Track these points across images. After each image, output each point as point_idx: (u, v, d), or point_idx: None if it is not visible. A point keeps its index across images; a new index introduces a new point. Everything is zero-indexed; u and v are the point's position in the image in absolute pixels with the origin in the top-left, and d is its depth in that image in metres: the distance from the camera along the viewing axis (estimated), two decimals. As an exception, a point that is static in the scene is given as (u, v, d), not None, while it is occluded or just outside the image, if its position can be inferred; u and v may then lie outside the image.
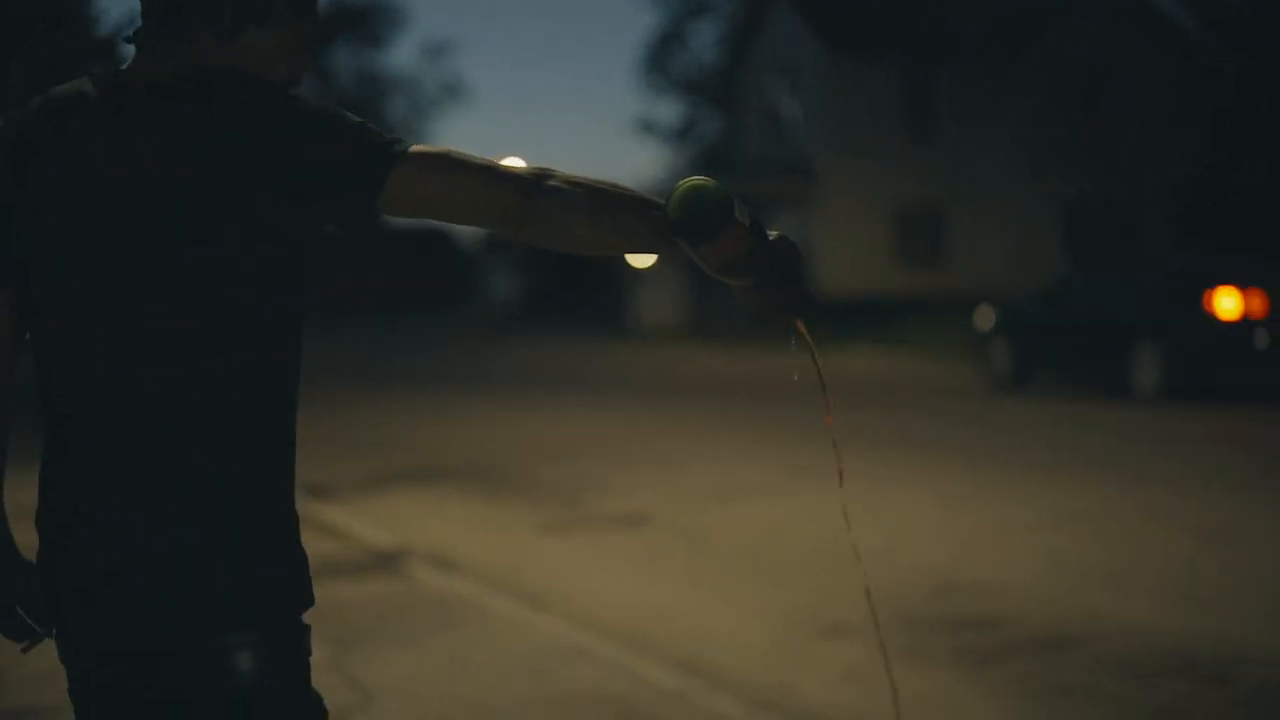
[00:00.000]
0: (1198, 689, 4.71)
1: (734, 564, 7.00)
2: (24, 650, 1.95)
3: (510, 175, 1.74)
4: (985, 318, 17.57)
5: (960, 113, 30.99)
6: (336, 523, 7.87)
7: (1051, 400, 15.06)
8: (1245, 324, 13.89)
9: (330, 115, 1.75)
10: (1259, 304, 13.96)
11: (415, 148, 1.74)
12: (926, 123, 31.11)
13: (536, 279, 48.79)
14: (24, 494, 2.10)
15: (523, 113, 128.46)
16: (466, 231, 55.42)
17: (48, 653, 1.92)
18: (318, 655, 5.15)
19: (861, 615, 5.78)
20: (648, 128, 53.24)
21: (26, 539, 1.92)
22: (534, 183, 1.73)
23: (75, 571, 1.74)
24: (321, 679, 4.85)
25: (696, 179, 1.73)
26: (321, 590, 5.58)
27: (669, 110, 69.80)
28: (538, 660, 5.13)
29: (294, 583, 1.78)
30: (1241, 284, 14.12)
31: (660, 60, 50.80)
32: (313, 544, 6.08)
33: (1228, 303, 14.01)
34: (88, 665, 1.77)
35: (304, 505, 8.18)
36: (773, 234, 1.78)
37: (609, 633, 5.55)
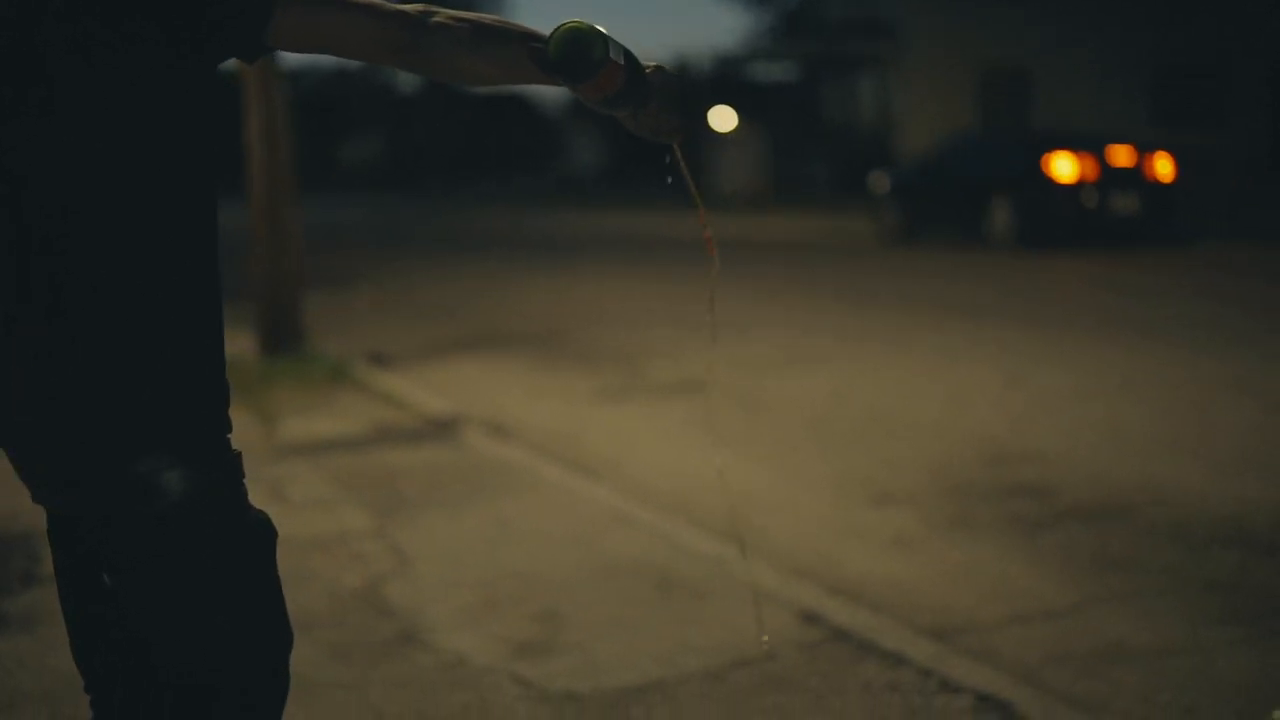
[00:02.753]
0: (1249, 560, 4.61)
1: (788, 431, 6.94)
2: None
3: (397, 12, 1.80)
4: (880, 182, 19.85)
5: (1048, -30, 30.07)
6: (393, 391, 7.89)
7: (931, 249, 17.31)
8: (1079, 186, 16.54)
9: None
10: (1090, 168, 16.60)
11: None
12: (1014, -20, 30.23)
13: (617, 146, 48.38)
14: None
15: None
16: (550, 99, 55.08)
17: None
18: (362, 522, 5.22)
19: (911, 485, 5.72)
20: (729, -10, 52.32)
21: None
22: (420, 18, 1.80)
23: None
24: (363, 545, 4.94)
25: (575, 21, 1.83)
26: (371, 458, 5.66)
27: (751, -28, 68.29)
28: (582, 528, 5.12)
29: (210, 409, 1.83)
30: (1076, 150, 16.78)
31: (742, -82, 49.74)
32: (369, 411, 6.17)
33: (1063, 166, 16.64)
34: (38, 496, 1.87)
35: (362, 373, 8.28)
36: (650, 67, 1.93)
37: (656, 501, 5.52)
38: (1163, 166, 17.29)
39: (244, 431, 6.87)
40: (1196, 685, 3.57)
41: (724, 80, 41.09)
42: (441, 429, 6.96)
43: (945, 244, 17.76)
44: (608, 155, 48.79)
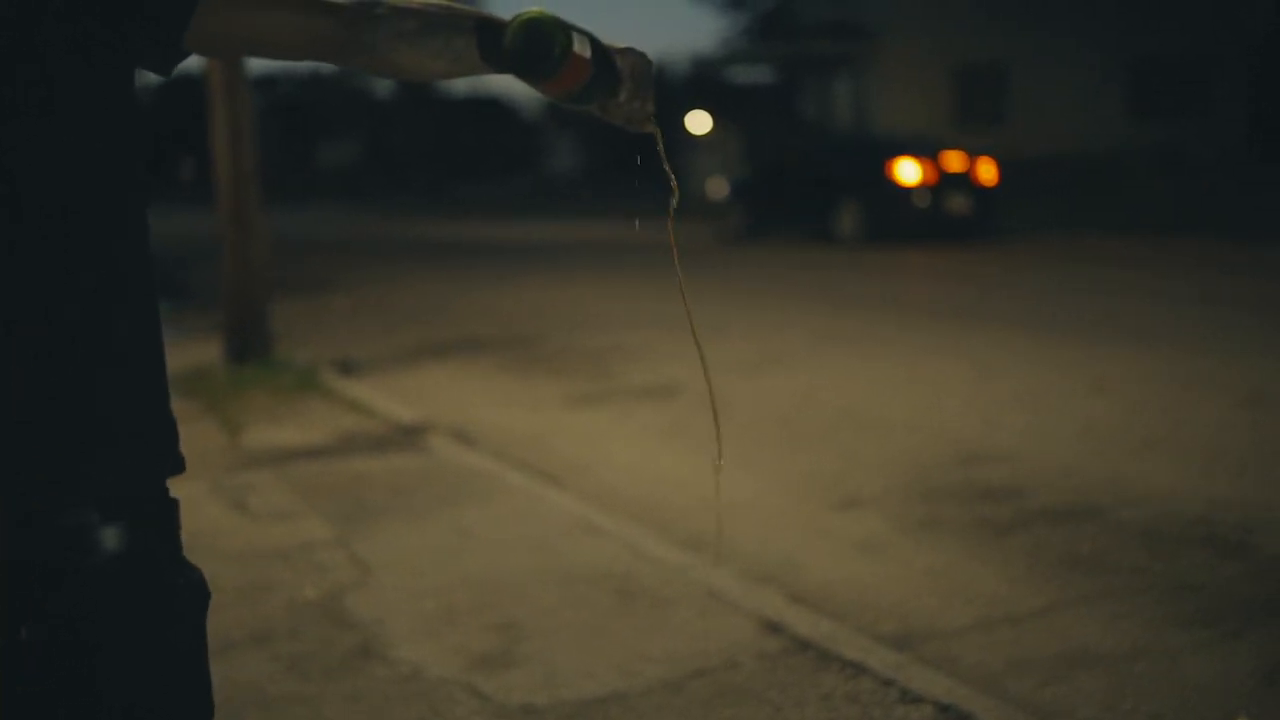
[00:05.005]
0: (1217, 561, 4.57)
1: (759, 434, 6.89)
2: None
3: (334, 5, 1.63)
4: (718, 187, 21.74)
5: (1023, -35, 30.09)
6: (361, 398, 7.82)
7: (779, 247, 18.84)
8: (920, 188, 18.39)
9: None
10: (929, 172, 18.49)
11: None
12: (988, -23, 30.25)
13: (597, 150, 48.31)
14: None
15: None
16: (528, 103, 55.00)
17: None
18: (323, 532, 5.15)
19: (879, 487, 5.68)
20: (705, -8, 52.40)
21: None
22: (360, 11, 1.63)
23: None
24: (323, 555, 4.86)
25: (533, 10, 1.65)
26: (336, 466, 5.59)
27: (727, -26, 68.28)
28: (545, 535, 5.06)
29: (147, 455, 1.65)
30: (917, 155, 18.66)
31: (718, -80, 49.79)
32: (335, 419, 6.10)
33: (907, 170, 18.49)
34: None
35: (330, 380, 8.22)
36: (618, 49, 1.73)
37: (622, 508, 5.47)
38: (987, 171, 19.11)
39: (209, 440, 6.84)
40: (1162, 690, 3.52)
41: (701, 83, 41.07)
42: (408, 436, 6.89)
43: (792, 242, 19.29)
44: (587, 157, 48.71)
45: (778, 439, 6.71)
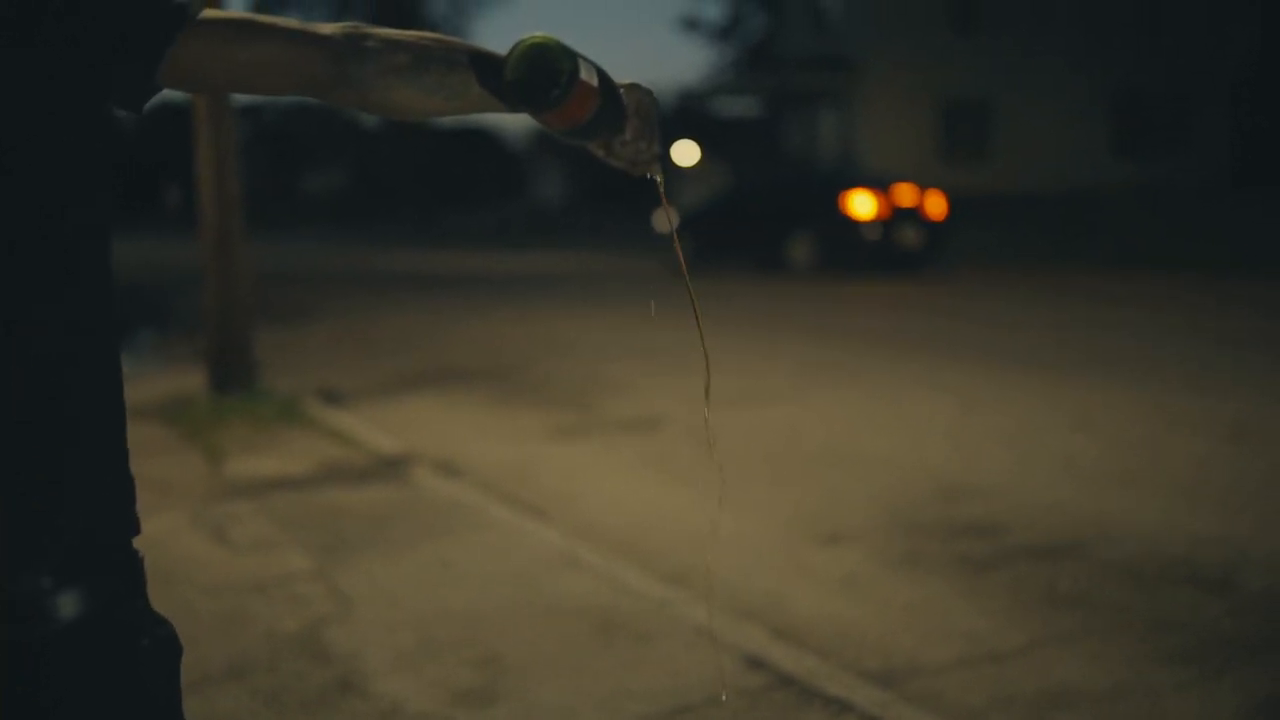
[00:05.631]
0: (1199, 598, 4.57)
1: (743, 468, 6.88)
2: None
3: (320, 39, 1.55)
4: (664, 219, 21.19)
5: (1007, 3, 30.27)
6: (343, 428, 7.80)
7: (728, 276, 18.34)
8: (873, 221, 18.84)
9: None
10: (882, 206, 18.96)
11: (208, 12, 1.54)
12: (972, 13, 30.44)
13: (583, 179, 48.36)
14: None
15: (565, 12, 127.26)
16: (514, 131, 55.09)
17: None
18: (304, 563, 5.12)
19: (863, 522, 5.67)
20: (692, 25, 52.73)
21: None
22: (348, 46, 1.56)
23: None
24: (304, 587, 4.83)
25: (537, 35, 1.54)
26: (318, 497, 5.56)
27: (713, 7, 68.78)
28: (527, 569, 5.04)
29: (108, 512, 1.53)
30: (869, 188, 19.17)
31: (705, -45, 50.07)
32: (318, 450, 6.08)
33: (860, 204, 18.96)
34: None
35: (313, 410, 8.19)
36: (624, 85, 1.63)
37: (604, 541, 5.45)
38: (936, 205, 19.57)
39: (190, 470, 6.81)
40: (1143, 729, 3.52)
41: (687, 115, 41.20)
42: (390, 468, 6.87)
43: (741, 272, 19.41)
44: (574, 187, 48.78)
45: (759, 473, 6.69)
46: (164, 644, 1.58)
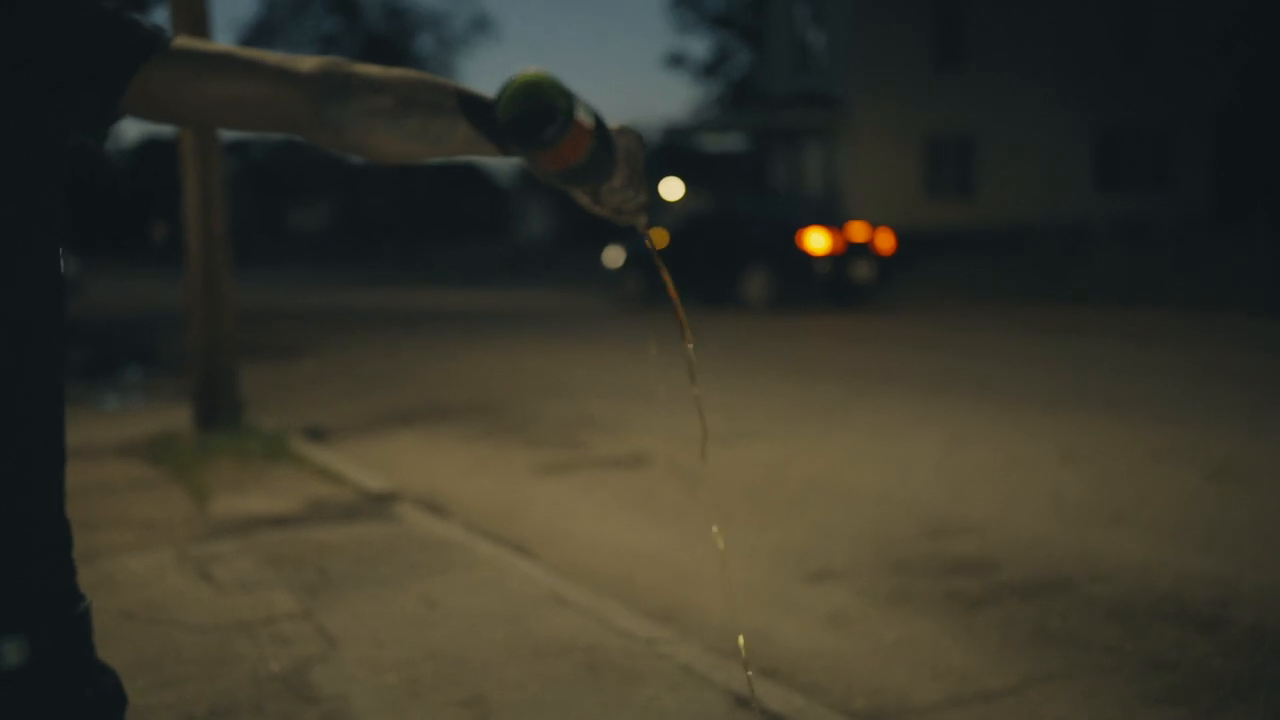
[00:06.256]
0: (1188, 637, 4.55)
1: (728, 505, 6.87)
2: None
3: (298, 77, 1.49)
4: (615, 255, 22.45)
5: (991, 38, 30.48)
6: (330, 465, 7.76)
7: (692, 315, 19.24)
8: (828, 257, 19.53)
9: None
10: (837, 242, 19.67)
11: (179, 41, 1.48)
12: (956, 50, 30.62)
13: (569, 216, 48.45)
14: None
15: (551, 48, 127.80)
16: (502, 167, 55.21)
17: None
18: (289, 603, 5.09)
19: (850, 559, 5.65)
20: (677, 62, 52.91)
21: None
22: (327, 86, 1.49)
23: None
24: (289, 627, 4.80)
25: (530, 72, 1.46)
26: (304, 535, 5.53)
27: (699, 45, 69.18)
28: (513, 608, 5.01)
29: (47, 558, 1.46)
30: (824, 225, 19.74)
31: (690, -8, 50.34)
32: (304, 487, 6.04)
33: (816, 240, 19.55)
34: None
35: (299, 447, 8.16)
36: (614, 128, 1.57)
37: (590, 579, 5.43)
38: (885, 241, 20.33)
39: (175, 508, 6.78)
40: (1134, 769, 3.50)
41: (673, 151, 41.34)
42: (376, 505, 6.83)
43: (694, 308, 19.27)
44: (562, 224, 48.84)
45: (745, 510, 6.68)
46: (108, 695, 1.53)
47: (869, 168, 29.97)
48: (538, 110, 1.44)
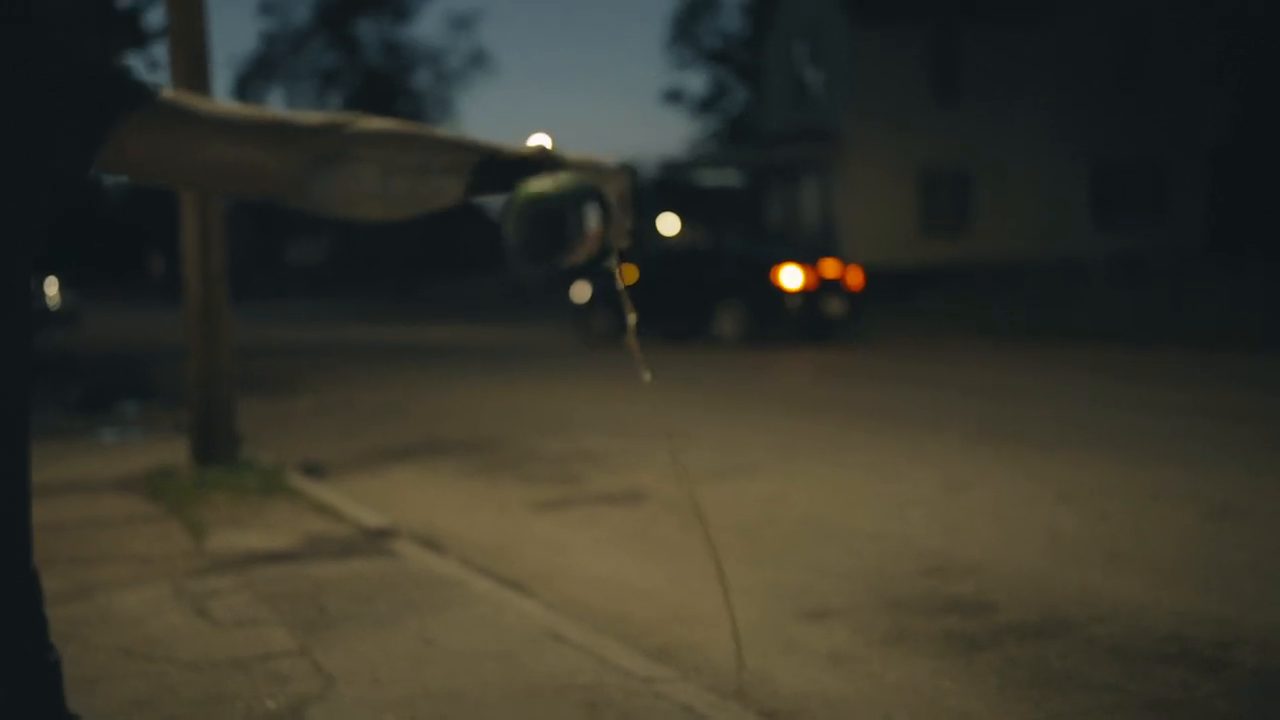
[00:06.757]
0: (1191, 678, 4.53)
1: (725, 542, 6.84)
2: None
3: (286, 148, 1.44)
4: (582, 291, 22.45)
5: (986, 74, 30.59)
6: (326, 501, 7.74)
7: (652, 348, 19.09)
8: (802, 293, 19.88)
9: (52, 32, 1.35)
10: (810, 278, 20.06)
11: (167, 92, 1.42)
12: (952, 85, 30.73)
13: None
14: None
15: (548, 84, 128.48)
16: (500, 202, 55.28)
17: None
18: (285, 640, 5.06)
19: (848, 598, 5.63)
20: (675, 98, 53.09)
21: None
22: (313, 159, 1.45)
23: None
24: (285, 665, 4.78)
25: (532, 186, 1.42)
26: (300, 571, 5.51)
27: (696, 80, 69.38)
28: (510, 645, 4.99)
29: (16, 610, 1.39)
30: (798, 262, 20.12)
31: (687, 29, 50.60)
32: (300, 523, 6.02)
33: (790, 277, 19.97)
34: None
35: (296, 482, 8.13)
36: (607, 169, 1.52)
37: (588, 616, 5.41)
38: (855, 277, 20.85)
39: (172, 543, 6.76)
40: (1136, 812, 3.47)
41: (670, 185, 41.45)
42: (373, 541, 6.81)
43: (665, 343, 19.94)
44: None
45: (741, 547, 6.66)
46: None
47: (865, 202, 30.05)
48: (547, 234, 1.41)
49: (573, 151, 1.53)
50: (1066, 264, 24.79)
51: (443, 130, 1.56)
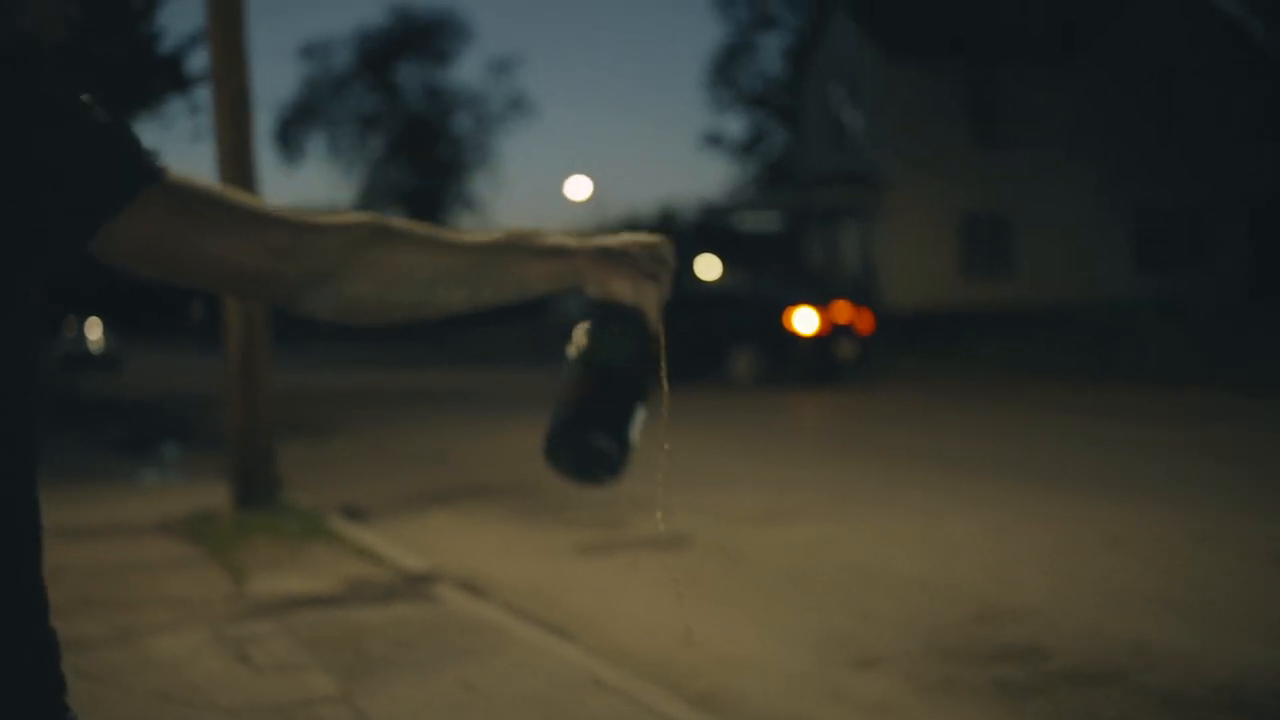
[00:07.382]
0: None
1: (770, 587, 6.78)
2: None
3: (295, 249, 1.38)
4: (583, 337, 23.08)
5: (1027, 117, 30.50)
6: (367, 545, 7.72)
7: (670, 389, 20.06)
8: (815, 337, 20.25)
9: (57, 99, 1.28)
10: (823, 322, 20.39)
11: (175, 174, 1.35)
12: (992, 129, 30.64)
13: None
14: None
15: (589, 128, 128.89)
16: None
17: None
18: (327, 686, 5.04)
19: (896, 645, 5.55)
20: (714, 141, 53.22)
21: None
22: (310, 280, 1.41)
23: None
24: (327, 710, 4.74)
25: (603, 342, 1.55)
26: (341, 616, 5.48)
27: (735, 124, 69.59)
28: (552, 691, 4.94)
29: (33, 674, 1.34)
30: (812, 304, 20.46)
31: (726, 73, 50.77)
32: (341, 567, 6.01)
33: (804, 321, 20.31)
34: None
35: (337, 526, 8.12)
36: (647, 247, 1.57)
37: (631, 662, 5.35)
38: (865, 321, 21.17)
39: (213, 588, 6.74)
40: None
41: (709, 230, 41.47)
42: (414, 585, 6.78)
43: (685, 385, 19.16)
44: (590, 300, 48.75)
45: (787, 593, 6.59)
46: None
47: (905, 246, 29.97)
48: (593, 466, 1.55)
49: (612, 238, 1.58)
50: (1109, 307, 24.65)
51: (468, 232, 1.53)
